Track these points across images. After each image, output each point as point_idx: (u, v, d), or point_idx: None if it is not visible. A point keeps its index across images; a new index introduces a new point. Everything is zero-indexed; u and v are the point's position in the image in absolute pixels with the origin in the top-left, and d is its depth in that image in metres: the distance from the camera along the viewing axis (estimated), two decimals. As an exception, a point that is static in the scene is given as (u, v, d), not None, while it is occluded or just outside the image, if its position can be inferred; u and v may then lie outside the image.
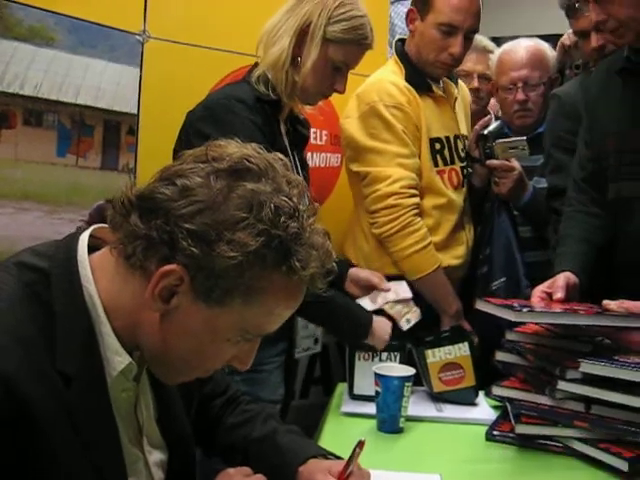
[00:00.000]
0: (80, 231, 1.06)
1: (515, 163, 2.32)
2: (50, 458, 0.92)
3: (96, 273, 1.01)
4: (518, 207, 2.37)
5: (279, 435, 1.33)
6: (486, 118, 2.48)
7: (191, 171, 0.96)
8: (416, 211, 2.17)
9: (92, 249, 1.04)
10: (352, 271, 2.08)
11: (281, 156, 1.04)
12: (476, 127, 2.39)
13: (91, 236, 1.06)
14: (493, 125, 2.42)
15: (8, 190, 1.93)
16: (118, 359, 1.01)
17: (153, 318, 0.99)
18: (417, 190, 2.20)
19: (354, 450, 1.23)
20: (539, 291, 1.74)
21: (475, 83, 2.78)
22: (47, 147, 2.03)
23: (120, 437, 1.03)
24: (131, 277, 0.99)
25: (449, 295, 2.22)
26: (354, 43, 1.89)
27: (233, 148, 1.01)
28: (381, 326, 1.91)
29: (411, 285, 2.11)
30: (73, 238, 1.05)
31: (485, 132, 2.36)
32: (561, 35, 2.66)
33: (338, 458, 1.30)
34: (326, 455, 1.30)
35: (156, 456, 1.14)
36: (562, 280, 1.74)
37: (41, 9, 1.99)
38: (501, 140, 2.32)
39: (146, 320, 1.00)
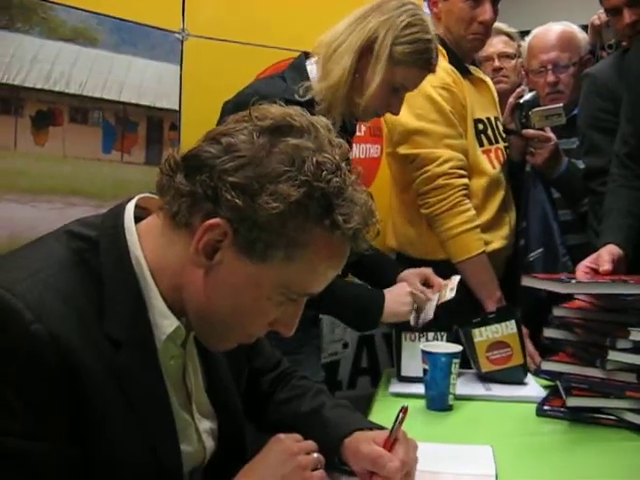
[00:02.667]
0: (126, 201, 1.08)
1: (551, 134, 2.31)
2: (99, 422, 0.94)
3: (142, 239, 1.03)
4: (552, 179, 2.36)
5: (326, 409, 1.32)
6: (519, 89, 2.48)
7: (235, 130, 0.98)
8: (465, 192, 2.17)
9: (137, 219, 1.06)
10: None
11: (324, 119, 1.05)
12: (510, 99, 2.39)
13: (136, 206, 1.07)
14: (528, 95, 2.40)
15: (57, 185, 1.99)
16: (166, 322, 1.03)
17: (197, 275, 1.00)
18: (465, 171, 2.20)
19: (397, 416, 1.22)
20: (583, 266, 1.72)
21: (496, 63, 2.81)
22: (93, 143, 2.08)
23: (171, 402, 1.05)
24: (176, 237, 1.00)
25: (493, 280, 2.21)
26: (418, 67, 1.83)
27: (276, 108, 1.02)
28: (395, 299, 1.87)
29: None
30: (119, 208, 1.07)
31: (520, 101, 2.35)
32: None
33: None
34: (372, 428, 1.28)
35: (206, 424, 1.15)
36: (606, 253, 1.73)
37: (84, 10, 2.05)
38: (537, 109, 2.31)
39: (191, 278, 1.01)
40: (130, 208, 1.06)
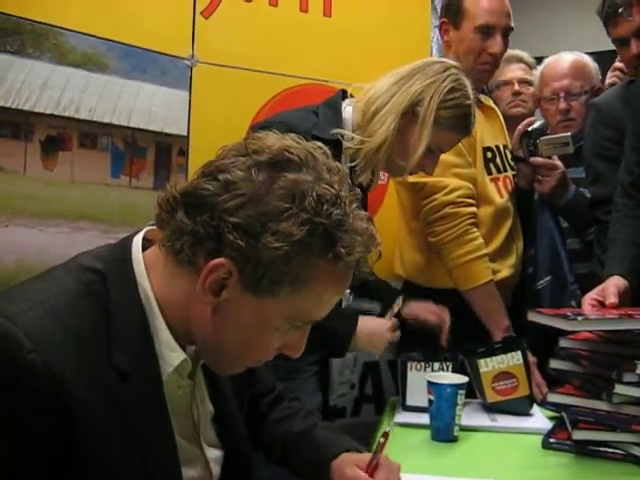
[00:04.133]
0: (134, 234, 1.09)
1: (558, 162, 2.32)
2: (93, 454, 0.93)
3: (149, 269, 1.04)
4: (559, 207, 2.36)
5: (317, 430, 1.35)
6: (530, 118, 2.49)
7: (232, 165, 0.97)
8: (473, 220, 2.17)
9: (144, 249, 1.06)
10: None
11: (320, 144, 1.05)
12: (519, 127, 2.40)
13: (144, 238, 1.08)
14: (537, 123, 2.41)
15: (65, 210, 2.01)
16: (173, 355, 1.04)
17: (205, 311, 1.01)
18: (474, 200, 2.20)
19: (378, 441, 1.24)
20: (589, 298, 1.72)
21: (516, 87, 2.85)
22: (102, 168, 2.10)
23: (174, 433, 1.05)
24: (180, 273, 1.00)
25: (500, 309, 2.18)
26: (456, 132, 1.86)
27: (272, 140, 1.01)
28: (376, 329, 1.89)
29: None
30: (127, 240, 1.08)
31: (529, 129, 2.36)
32: (605, 52, 2.65)
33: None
34: (361, 449, 1.31)
35: (213, 452, 1.16)
36: (612, 286, 1.72)
37: (94, 36, 2.08)
38: (545, 137, 2.32)
39: (198, 314, 1.02)
40: (138, 240, 1.07)
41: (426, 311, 2.06)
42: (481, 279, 2.15)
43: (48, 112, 1.99)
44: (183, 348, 1.06)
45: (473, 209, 2.18)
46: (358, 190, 1.04)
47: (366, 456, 1.25)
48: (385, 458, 1.25)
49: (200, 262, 0.97)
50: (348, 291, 2.03)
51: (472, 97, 1.85)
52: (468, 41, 2.26)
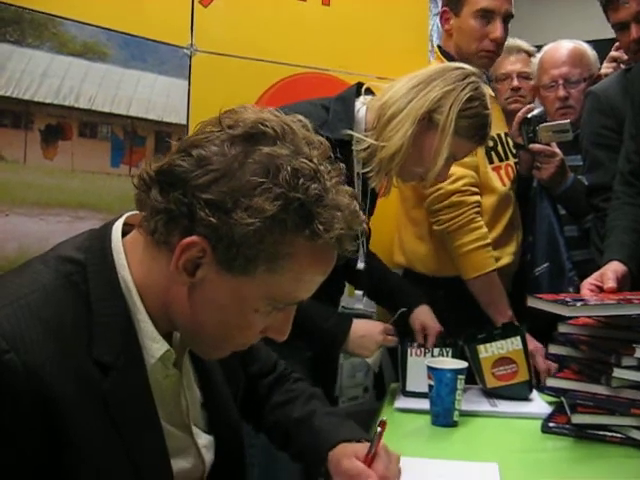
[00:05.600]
0: (114, 219, 1.07)
1: (557, 149, 2.33)
2: (78, 450, 0.92)
3: (128, 255, 1.02)
4: (557, 194, 2.37)
5: (317, 417, 1.32)
6: (530, 105, 2.50)
7: (206, 140, 0.95)
8: (478, 209, 2.17)
9: (126, 235, 1.05)
10: None
11: (301, 117, 1.02)
12: (519, 113, 2.40)
13: (125, 224, 1.06)
14: (536, 110, 2.42)
15: (65, 199, 2.01)
16: (155, 346, 1.02)
17: (182, 292, 0.99)
18: (478, 188, 2.21)
19: (375, 430, 1.22)
20: (588, 284, 1.73)
21: (515, 82, 2.82)
22: (101, 157, 2.10)
23: (161, 422, 1.03)
24: (158, 253, 0.99)
25: (503, 298, 2.19)
26: (473, 141, 1.83)
27: (248, 113, 0.98)
28: (366, 331, 1.88)
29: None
30: (107, 227, 1.06)
31: (529, 116, 2.37)
32: (604, 40, 2.65)
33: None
34: (360, 438, 1.27)
35: (204, 438, 1.15)
36: (610, 271, 1.73)
37: (94, 26, 2.07)
38: (544, 124, 2.33)
39: (176, 295, 1.00)
40: (118, 226, 1.05)
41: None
42: (486, 267, 2.16)
43: (48, 101, 1.99)
44: (169, 336, 1.06)
45: (478, 197, 2.19)
46: (342, 165, 1.01)
47: (363, 446, 1.22)
48: (383, 448, 1.23)
49: (174, 241, 0.95)
50: (361, 292, 2.03)
51: (489, 105, 1.81)
52: (469, 27, 2.27)
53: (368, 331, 1.89)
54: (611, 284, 1.69)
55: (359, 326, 1.88)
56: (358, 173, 1.84)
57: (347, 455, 1.21)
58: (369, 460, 1.19)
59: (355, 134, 1.80)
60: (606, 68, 2.59)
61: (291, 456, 1.36)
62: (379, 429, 1.22)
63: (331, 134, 1.55)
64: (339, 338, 1.86)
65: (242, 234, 0.91)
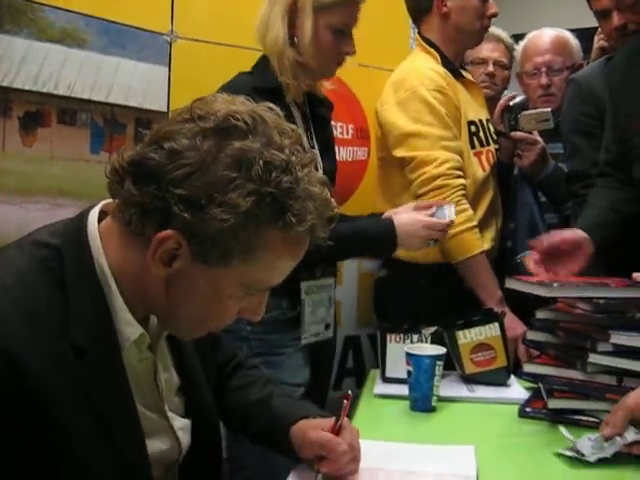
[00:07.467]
0: (91, 207, 1.08)
1: (538, 137, 2.34)
2: (59, 432, 0.93)
3: (104, 242, 1.03)
4: (538, 182, 2.38)
5: (275, 398, 1.35)
6: (512, 93, 2.51)
7: (178, 132, 0.95)
8: (463, 192, 2.19)
9: (101, 222, 1.06)
10: None
11: (272, 105, 1.04)
12: (501, 101, 2.42)
13: (101, 211, 1.07)
14: (518, 98, 2.43)
15: (44, 186, 2.00)
16: (130, 330, 1.03)
17: (158, 282, 1.01)
18: (462, 172, 2.22)
19: (341, 403, 1.25)
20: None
21: (490, 68, 2.84)
22: (81, 145, 2.09)
23: (136, 404, 1.05)
24: (132, 243, 1.00)
25: (493, 280, 2.20)
26: (343, 4, 1.92)
27: (219, 104, 0.99)
28: (408, 228, 1.97)
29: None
30: (84, 214, 1.07)
31: (511, 104, 2.38)
32: (585, 29, 2.66)
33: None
34: (319, 416, 1.30)
35: (180, 421, 1.17)
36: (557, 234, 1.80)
37: (72, 12, 2.06)
38: (526, 112, 2.34)
39: (152, 284, 1.02)
40: (94, 213, 1.06)
41: None
42: (474, 249, 2.18)
43: (26, 88, 1.97)
44: (145, 320, 1.07)
45: (462, 181, 2.20)
46: (315, 151, 1.05)
47: (327, 421, 1.25)
48: (347, 421, 1.26)
49: (149, 234, 0.96)
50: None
51: None
52: (472, 6, 2.28)
53: (412, 225, 1.97)
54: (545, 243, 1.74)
55: (403, 220, 1.98)
56: (296, 116, 1.95)
57: (312, 427, 1.25)
58: (335, 432, 1.22)
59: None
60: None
61: (251, 438, 1.39)
62: (345, 402, 1.25)
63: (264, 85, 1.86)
64: (391, 238, 1.97)
65: (217, 229, 0.93)
